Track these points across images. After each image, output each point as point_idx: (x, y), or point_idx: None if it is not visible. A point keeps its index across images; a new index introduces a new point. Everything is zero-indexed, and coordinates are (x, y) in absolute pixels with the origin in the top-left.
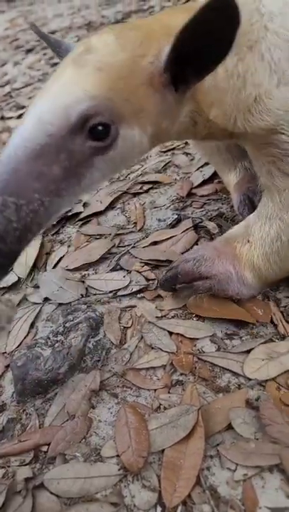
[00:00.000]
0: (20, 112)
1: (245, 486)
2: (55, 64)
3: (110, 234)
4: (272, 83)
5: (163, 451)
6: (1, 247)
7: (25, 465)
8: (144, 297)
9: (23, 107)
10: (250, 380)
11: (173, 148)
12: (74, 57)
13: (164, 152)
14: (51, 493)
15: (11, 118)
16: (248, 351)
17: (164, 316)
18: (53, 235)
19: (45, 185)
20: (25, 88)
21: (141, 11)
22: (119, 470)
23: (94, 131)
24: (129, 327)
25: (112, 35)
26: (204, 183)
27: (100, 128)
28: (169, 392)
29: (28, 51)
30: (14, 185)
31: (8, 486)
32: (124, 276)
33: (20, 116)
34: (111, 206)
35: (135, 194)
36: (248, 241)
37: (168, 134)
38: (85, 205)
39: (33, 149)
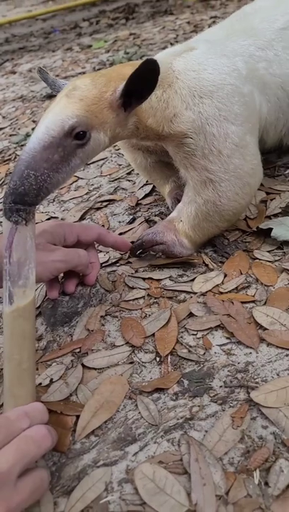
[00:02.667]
0: None
1: (204, 339)
2: (1, 129)
3: None
4: (182, 107)
5: (154, 334)
6: (26, 199)
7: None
8: (121, 264)
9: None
10: (196, 293)
11: (118, 178)
12: (66, 92)
13: (112, 181)
14: (89, 368)
15: None
16: (193, 279)
17: (136, 271)
18: None
19: (50, 165)
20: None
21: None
22: (129, 347)
23: (77, 135)
24: (116, 281)
25: (89, 79)
26: (146, 196)
27: (81, 133)
28: (150, 308)
29: None
30: (33, 164)
31: (66, 366)
32: (104, 255)
33: None
34: (82, 218)
35: (98, 209)
36: (181, 220)
37: (121, 136)
38: (62, 219)
39: (43, 144)
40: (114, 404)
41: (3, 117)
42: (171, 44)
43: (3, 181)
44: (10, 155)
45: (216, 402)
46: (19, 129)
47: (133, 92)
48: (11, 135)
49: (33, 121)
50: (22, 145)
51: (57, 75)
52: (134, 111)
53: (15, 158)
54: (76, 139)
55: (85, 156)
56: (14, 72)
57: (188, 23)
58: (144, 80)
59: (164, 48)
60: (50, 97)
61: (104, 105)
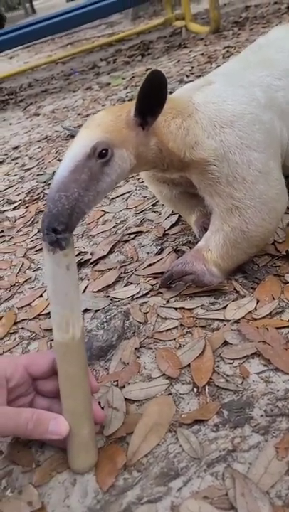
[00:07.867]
0: (13, 205)
1: (241, 367)
2: (29, 169)
3: (117, 267)
4: (204, 136)
5: (189, 364)
6: (62, 219)
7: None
8: (152, 295)
9: (14, 202)
10: (229, 320)
11: (144, 210)
12: (85, 125)
13: (138, 213)
14: (128, 400)
15: (6, 210)
16: (225, 307)
17: (168, 301)
18: None
19: (79, 184)
20: (8, 189)
21: None
22: (165, 379)
23: (100, 154)
24: (148, 312)
25: (103, 111)
26: (173, 226)
27: (103, 151)
28: (183, 338)
29: (0, 163)
30: (63, 187)
31: (106, 400)
32: (135, 287)
33: (14, 209)
34: (111, 251)
35: (126, 241)
36: (209, 249)
37: (146, 156)
38: (92, 254)
39: (71, 168)
40: (162, 427)
41: (30, 158)
42: (187, 76)
43: (34, 219)
44: (38, 194)
45: (257, 432)
46: (45, 168)
47: (146, 111)
48: (38, 175)
49: (59, 160)
50: (49, 184)
51: (79, 114)
52: (153, 130)
53: (43, 197)
54: (100, 157)
55: (113, 173)
56: (38, 114)
57: (202, 54)
58: (154, 92)
59: (180, 81)
60: (73, 136)
61: (121, 125)
